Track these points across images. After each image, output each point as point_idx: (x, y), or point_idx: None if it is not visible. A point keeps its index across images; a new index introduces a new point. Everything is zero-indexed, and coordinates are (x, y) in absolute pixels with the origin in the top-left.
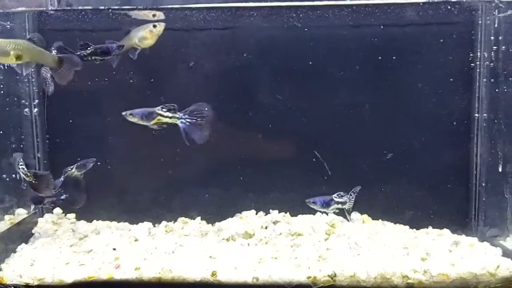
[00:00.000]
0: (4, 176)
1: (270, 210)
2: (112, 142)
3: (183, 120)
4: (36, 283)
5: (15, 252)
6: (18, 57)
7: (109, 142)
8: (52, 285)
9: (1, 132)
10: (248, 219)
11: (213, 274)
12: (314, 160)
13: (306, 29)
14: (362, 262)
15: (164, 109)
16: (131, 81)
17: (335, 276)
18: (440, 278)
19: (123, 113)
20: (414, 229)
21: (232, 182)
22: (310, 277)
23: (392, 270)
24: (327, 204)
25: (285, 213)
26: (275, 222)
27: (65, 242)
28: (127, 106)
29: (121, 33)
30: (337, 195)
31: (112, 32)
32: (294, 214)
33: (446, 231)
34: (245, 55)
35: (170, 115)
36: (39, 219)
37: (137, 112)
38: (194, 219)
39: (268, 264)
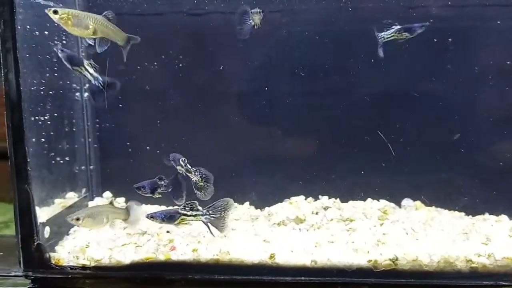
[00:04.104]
0: (58, 159)
1: (320, 196)
2: (163, 126)
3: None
4: (93, 264)
5: (68, 234)
6: (94, 32)
7: (159, 126)
8: (109, 266)
9: (55, 115)
10: (297, 204)
11: (271, 256)
12: (364, 145)
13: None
14: (422, 247)
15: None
16: (180, 64)
17: (397, 260)
18: (504, 262)
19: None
20: (470, 216)
21: (278, 169)
22: (371, 260)
23: (455, 254)
24: (170, 219)
25: (335, 199)
26: (325, 208)
27: (117, 225)
28: (176, 88)
29: None
30: (184, 207)
31: None
32: (344, 200)
33: (503, 217)
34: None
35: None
36: (89, 203)
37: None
38: (242, 204)
39: (325, 248)
